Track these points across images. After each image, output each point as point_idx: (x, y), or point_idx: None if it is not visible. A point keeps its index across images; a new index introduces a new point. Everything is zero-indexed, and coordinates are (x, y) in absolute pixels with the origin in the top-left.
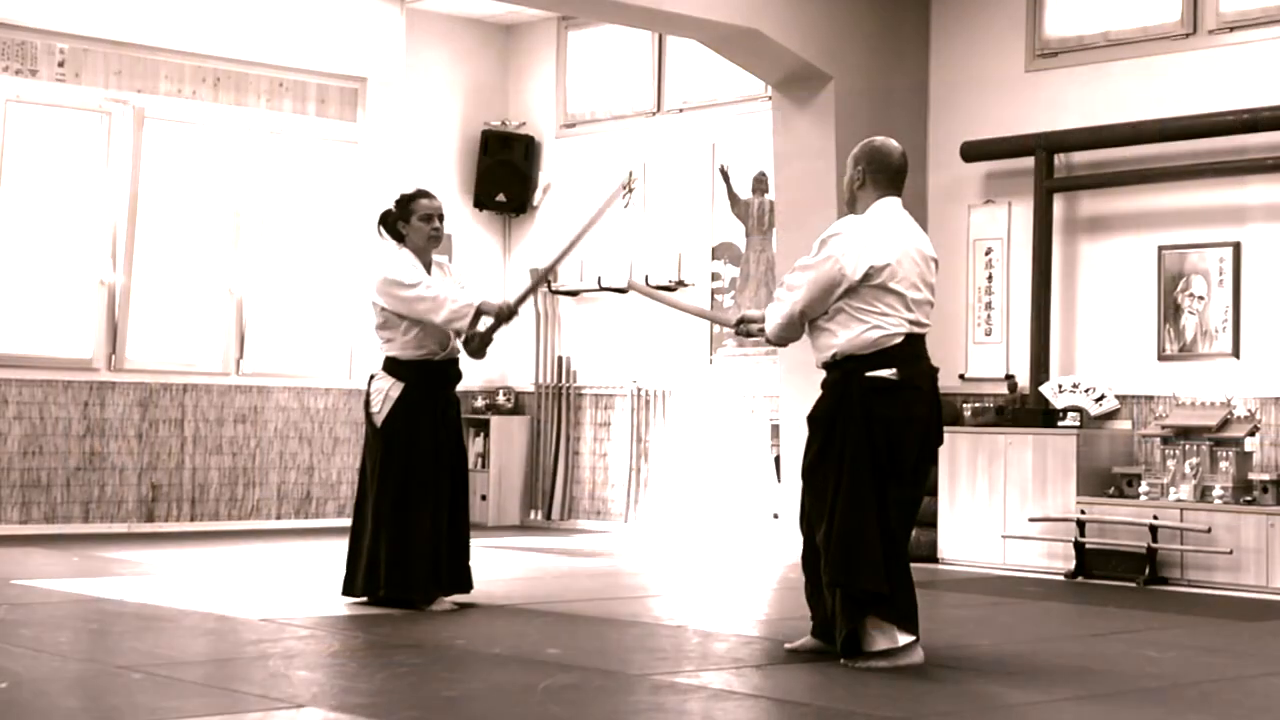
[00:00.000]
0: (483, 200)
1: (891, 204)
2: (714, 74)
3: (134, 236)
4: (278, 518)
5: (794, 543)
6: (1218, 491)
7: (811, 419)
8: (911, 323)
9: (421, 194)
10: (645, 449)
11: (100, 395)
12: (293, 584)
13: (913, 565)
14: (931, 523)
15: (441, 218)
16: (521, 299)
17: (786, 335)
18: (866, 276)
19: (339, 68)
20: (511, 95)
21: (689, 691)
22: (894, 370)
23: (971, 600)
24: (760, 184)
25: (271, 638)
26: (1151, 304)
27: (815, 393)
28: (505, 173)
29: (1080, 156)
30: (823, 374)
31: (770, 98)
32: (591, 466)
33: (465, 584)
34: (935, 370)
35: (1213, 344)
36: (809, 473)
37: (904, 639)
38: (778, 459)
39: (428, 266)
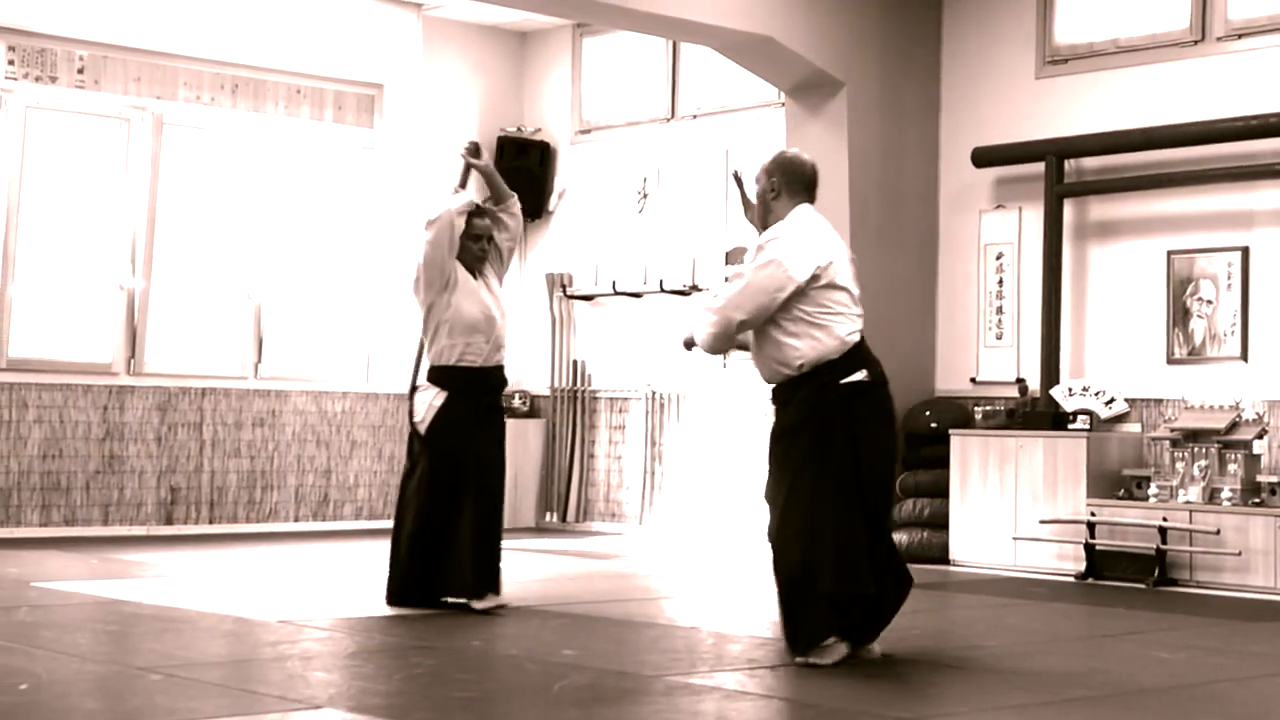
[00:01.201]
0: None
1: (810, 209)
2: (727, 80)
3: (153, 242)
4: (295, 520)
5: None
6: (1226, 494)
7: (785, 433)
8: (859, 318)
9: (474, 212)
10: (659, 452)
11: (120, 399)
12: (310, 586)
13: (924, 566)
14: (943, 524)
15: (491, 239)
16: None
17: (719, 346)
18: (814, 278)
19: (356, 74)
20: (527, 101)
21: (703, 692)
22: (865, 372)
23: (982, 601)
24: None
25: (289, 639)
26: (1160, 308)
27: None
28: (521, 178)
29: (1090, 162)
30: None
31: (783, 104)
32: (606, 469)
33: (495, 586)
34: None
35: (1221, 347)
36: (794, 485)
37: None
38: None
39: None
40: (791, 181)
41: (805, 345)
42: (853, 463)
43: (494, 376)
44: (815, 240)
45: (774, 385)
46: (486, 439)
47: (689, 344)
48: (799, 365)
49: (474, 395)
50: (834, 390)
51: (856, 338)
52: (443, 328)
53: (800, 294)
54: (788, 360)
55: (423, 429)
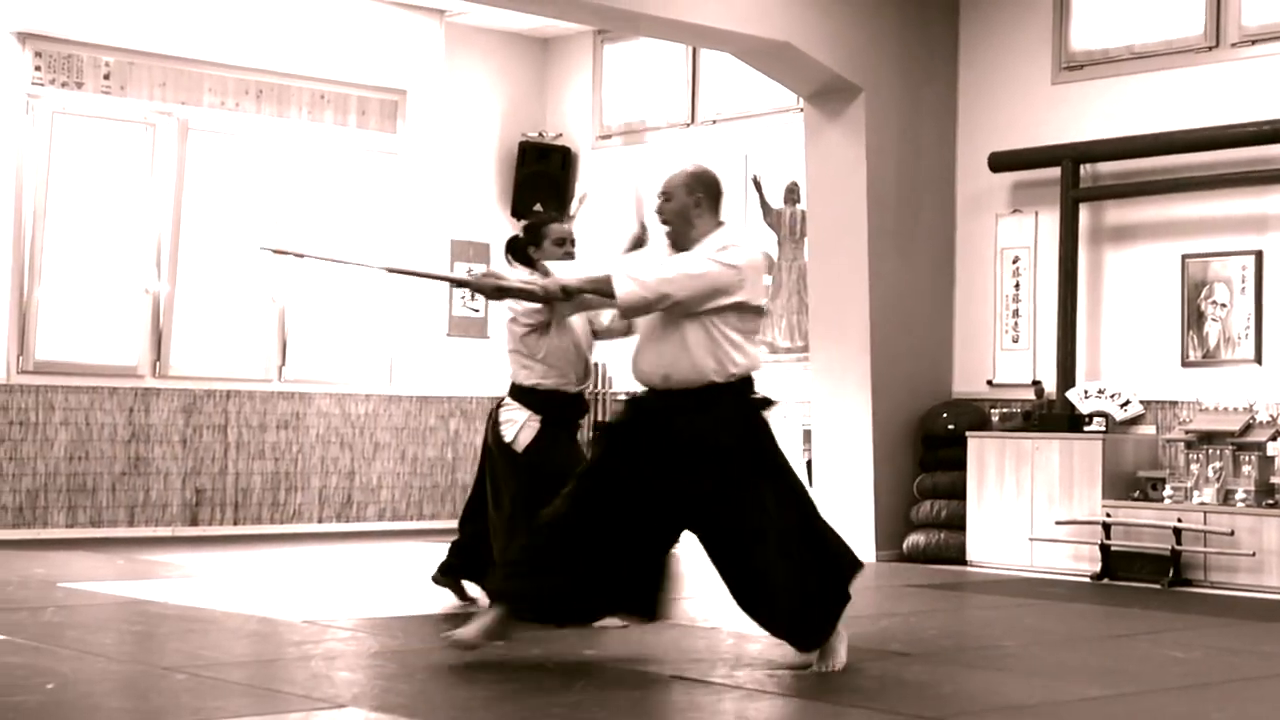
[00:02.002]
0: (520, 210)
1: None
2: (747, 86)
3: (178, 246)
4: (319, 521)
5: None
6: (1240, 495)
7: (724, 444)
8: None
9: (552, 218)
10: None
11: (145, 402)
12: (334, 587)
13: (941, 567)
14: (960, 526)
15: (574, 242)
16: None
17: (634, 314)
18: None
19: (379, 80)
20: (548, 107)
21: (723, 691)
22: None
23: (999, 601)
24: (792, 194)
25: (313, 639)
26: (1175, 311)
27: (848, 398)
28: (542, 183)
29: (1106, 167)
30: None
31: (802, 109)
32: None
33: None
34: None
35: (1235, 350)
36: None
37: None
38: (809, 463)
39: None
40: (714, 197)
41: (747, 356)
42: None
43: (581, 400)
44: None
45: (689, 387)
46: (582, 458)
47: (572, 290)
48: (732, 373)
49: (567, 417)
50: (756, 404)
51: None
52: (539, 352)
53: (739, 308)
54: (724, 364)
55: (519, 447)
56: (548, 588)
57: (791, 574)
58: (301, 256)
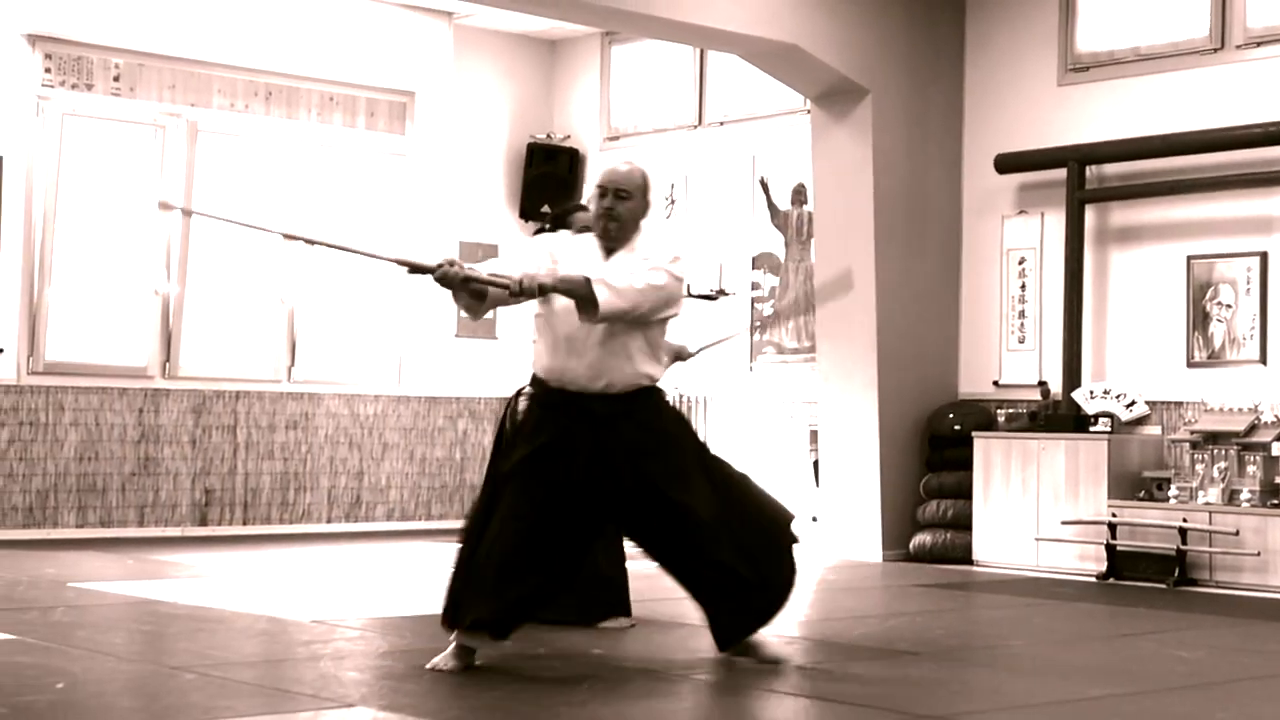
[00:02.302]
0: (528, 211)
1: None
2: (754, 88)
3: (188, 247)
4: (328, 522)
5: (834, 544)
6: (1245, 495)
7: (671, 437)
8: None
9: (580, 206)
10: None
11: (155, 402)
12: (343, 587)
13: (948, 567)
14: (966, 525)
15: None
16: (692, 353)
17: (607, 321)
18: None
19: (388, 82)
20: (556, 109)
21: (730, 691)
22: None
23: (1005, 601)
24: (799, 195)
25: (322, 639)
26: (1180, 312)
27: (855, 398)
28: (550, 184)
29: (1111, 168)
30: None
31: (809, 111)
32: None
33: (624, 609)
34: None
35: (1240, 351)
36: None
37: None
38: (816, 463)
39: None
40: (652, 205)
41: (661, 358)
42: None
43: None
44: None
45: (625, 390)
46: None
47: (547, 289)
48: (657, 376)
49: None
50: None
51: None
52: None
53: (660, 322)
54: (655, 369)
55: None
56: (514, 601)
57: (744, 556)
58: (313, 243)
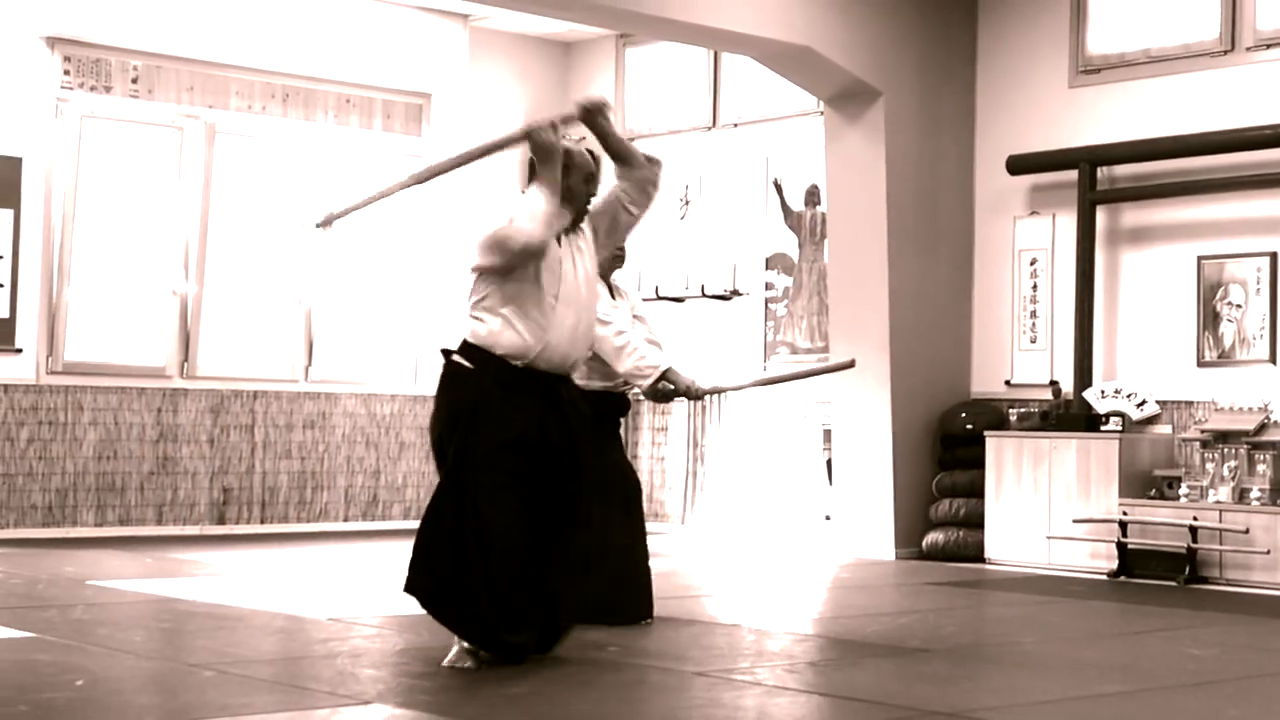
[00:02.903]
0: None
1: None
2: (767, 90)
3: (206, 248)
4: (345, 520)
5: (847, 542)
6: (1255, 493)
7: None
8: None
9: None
10: (701, 453)
11: (173, 402)
12: (360, 584)
13: (960, 565)
14: (978, 524)
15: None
16: (706, 391)
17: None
18: None
19: (404, 84)
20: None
21: (744, 687)
22: None
23: (1017, 599)
24: (812, 196)
25: (339, 636)
26: (1191, 312)
27: (868, 398)
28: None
29: (1122, 169)
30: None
31: (822, 113)
32: (649, 470)
33: (647, 611)
34: None
35: (1250, 350)
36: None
37: None
38: (829, 462)
39: (610, 289)
40: None
41: None
42: None
43: (624, 401)
44: None
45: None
46: (623, 459)
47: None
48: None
49: (611, 415)
50: None
51: None
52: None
53: None
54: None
55: None
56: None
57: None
58: (346, 214)
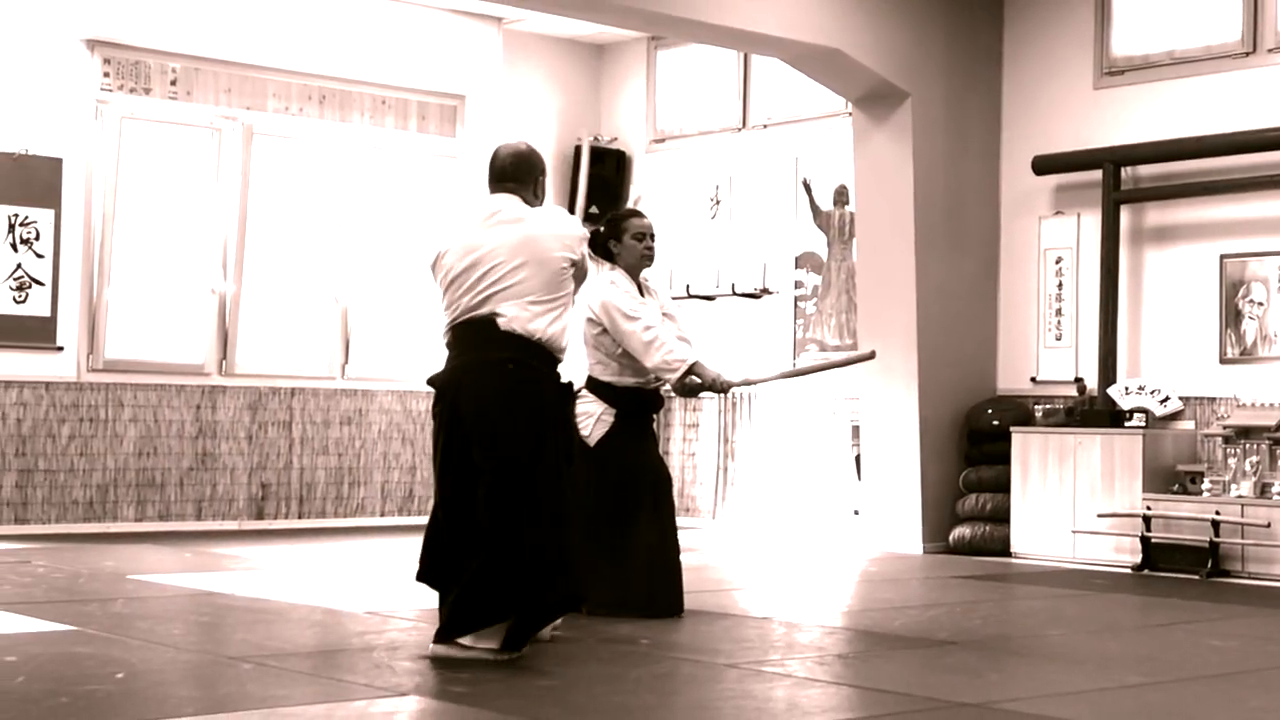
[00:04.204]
0: (575, 212)
1: (489, 198)
2: (797, 91)
3: (244, 247)
4: (381, 515)
5: (875, 537)
6: (1277, 488)
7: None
8: (452, 310)
9: (633, 213)
10: (732, 449)
11: (212, 399)
12: (396, 578)
13: (987, 559)
14: (1004, 518)
15: (653, 236)
16: (735, 385)
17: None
18: (434, 269)
19: (439, 86)
20: (604, 112)
21: (774, 680)
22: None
23: (1043, 592)
24: (841, 196)
25: (376, 629)
26: (1213, 310)
27: (896, 394)
28: (597, 186)
29: (1146, 169)
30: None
31: (850, 114)
32: (680, 465)
33: (678, 606)
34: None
35: (1272, 347)
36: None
37: None
38: (858, 458)
39: (639, 286)
40: (489, 177)
41: None
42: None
43: (656, 397)
44: (449, 231)
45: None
46: (652, 452)
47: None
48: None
49: (642, 412)
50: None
51: (448, 336)
52: (625, 355)
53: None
54: None
55: (591, 442)
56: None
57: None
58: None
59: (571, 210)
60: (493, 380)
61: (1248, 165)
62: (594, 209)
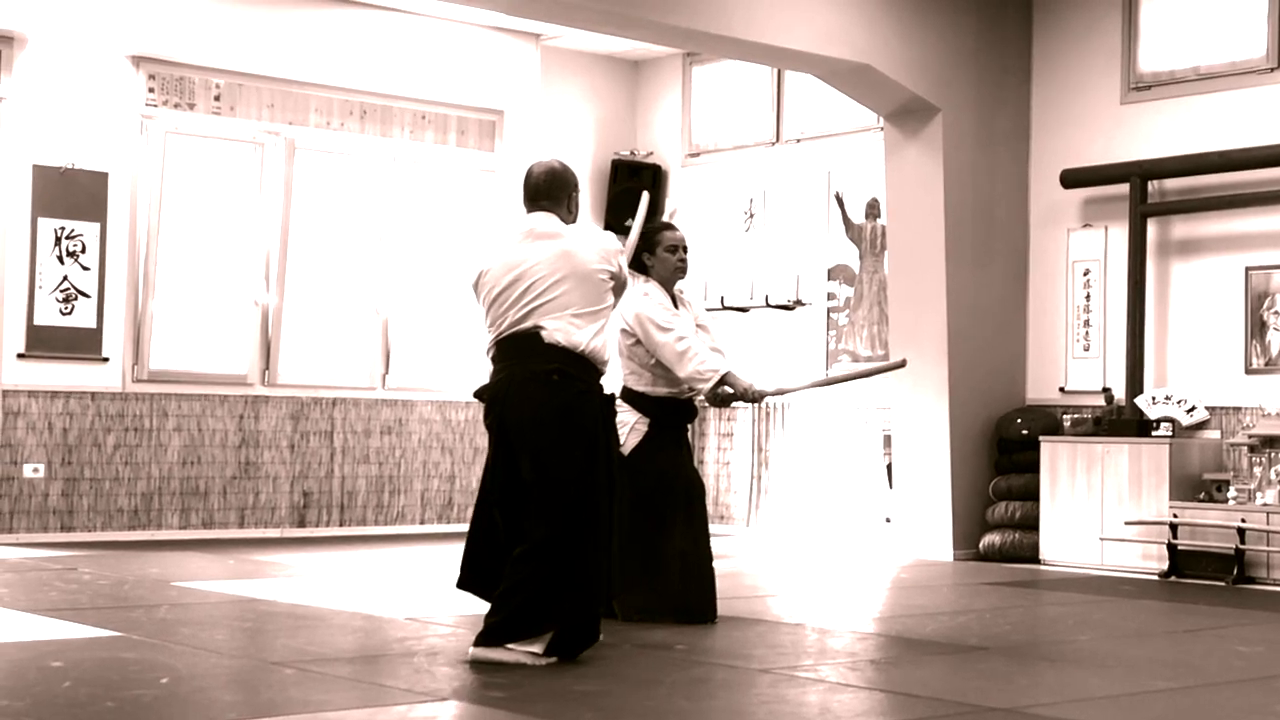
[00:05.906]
0: (612, 226)
1: (526, 217)
2: (829, 106)
3: (286, 260)
4: (421, 523)
5: (906, 544)
6: None
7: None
8: (494, 328)
9: (666, 226)
10: (765, 457)
11: (255, 409)
12: (436, 585)
13: (1016, 565)
14: (1034, 526)
15: (686, 249)
16: (767, 394)
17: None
18: (476, 288)
19: (478, 101)
20: (639, 126)
21: (807, 684)
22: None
23: (1071, 598)
24: (873, 209)
25: (416, 635)
26: (1239, 321)
27: (927, 404)
28: (634, 200)
29: (1172, 183)
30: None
31: (882, 128)
32: (715, 474)
33: (711, 613)
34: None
35: None
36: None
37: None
38: (890, 466)
39: (673, 299)
40: (524, 195)
41: None
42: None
43: (690, 406)
44: (487, 252)
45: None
46: (686, 461)
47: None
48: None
49: (677, 421)
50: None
51: (493, 350)
52: (659, 365)
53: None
54: None
55: (625, 450)
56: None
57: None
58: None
59: (607, 225)
60: (539, 392)
61: (1272, 179)
62: (629, 223)
